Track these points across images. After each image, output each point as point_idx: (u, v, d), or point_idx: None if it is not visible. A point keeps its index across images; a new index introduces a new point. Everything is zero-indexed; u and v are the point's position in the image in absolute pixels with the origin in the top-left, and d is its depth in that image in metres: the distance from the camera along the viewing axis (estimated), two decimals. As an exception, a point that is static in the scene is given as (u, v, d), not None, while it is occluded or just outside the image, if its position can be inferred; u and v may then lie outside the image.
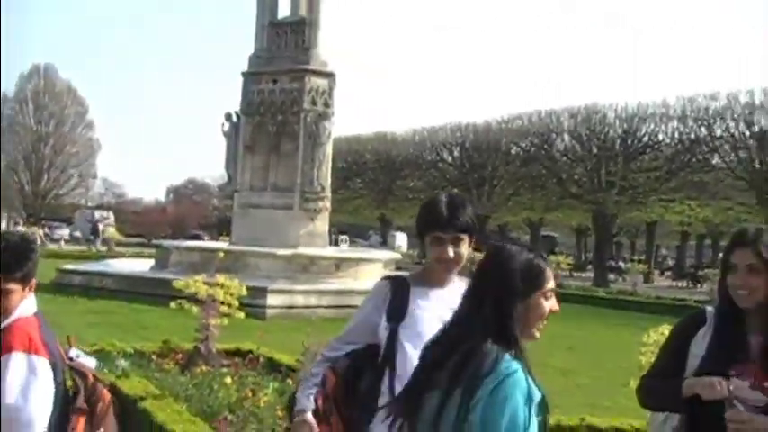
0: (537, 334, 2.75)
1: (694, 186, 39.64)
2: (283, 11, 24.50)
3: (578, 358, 15.62)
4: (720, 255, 4.06)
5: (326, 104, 22.72)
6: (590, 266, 50.33)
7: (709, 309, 3.49)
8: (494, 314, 2.61)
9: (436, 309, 3.49)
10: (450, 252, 3.49)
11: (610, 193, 39.98)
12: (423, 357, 2.82)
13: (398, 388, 3.40)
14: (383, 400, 3.41)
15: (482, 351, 2.54)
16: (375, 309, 3.55)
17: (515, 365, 2.52)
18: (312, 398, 3.56)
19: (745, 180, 36.68)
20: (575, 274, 45.64)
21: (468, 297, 2.74)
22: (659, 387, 3.53)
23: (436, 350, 2.73)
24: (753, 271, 3.29)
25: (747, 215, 35.96)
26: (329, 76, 23.06)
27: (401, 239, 64.61)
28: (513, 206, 47.54)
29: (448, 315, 3.51)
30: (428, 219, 3.52)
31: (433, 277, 3.59)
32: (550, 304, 2.74)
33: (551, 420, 7.71)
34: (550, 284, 2.74)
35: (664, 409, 3.57)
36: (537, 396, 2.53)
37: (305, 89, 22.44)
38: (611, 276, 44.17)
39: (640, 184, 40.83)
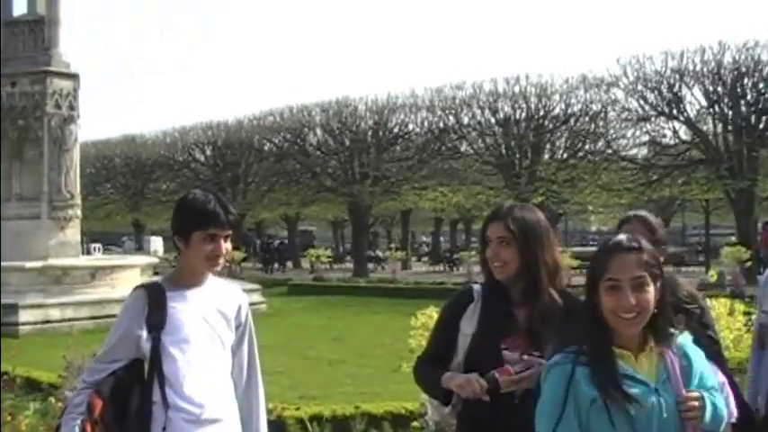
0: None
1: (445, 173, 41.01)
2: (19, 8, 22.93)
3: (345, 348, 15.81)
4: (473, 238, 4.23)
5: (71, 107, 21.68)
6: (348, 257, 51.09)
7: (476, 286, 3.58)
8: None
9: (197, 309, 3.48)
10: (223, 248, 3.48)
11: (364, 185, 40.70)
12: None
13: (172, 396, 3.35)
14: (157, 411, 3.33)
15: None
16: (134, 321, 3.43)
17: None
18: (78, 429, 3.36)
19: (493, 165, 38.35)
20: (334, 266, 46.17)
21: None
22: (426, 375, 3.60)
23: None
24: (503, 243, 3.42)
25: (497, 198, 37.60)
26: (73, 77, 22.00)
27: (157, 243, 63.08)
28: (268, 203, 47.39)
29: (210, 314, 3.50)
30: (201, 216, 3.45)
31: (188, 277, 3.54)
32: None
33: (326, 411, 7.81)
34: None
35: (432, 396, 3.68)
36: None
37: (47, 92, 21.28)
38: (371, 266, 45.00)
39: (393, 173, 41.78)
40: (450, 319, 3.56)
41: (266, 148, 46.67)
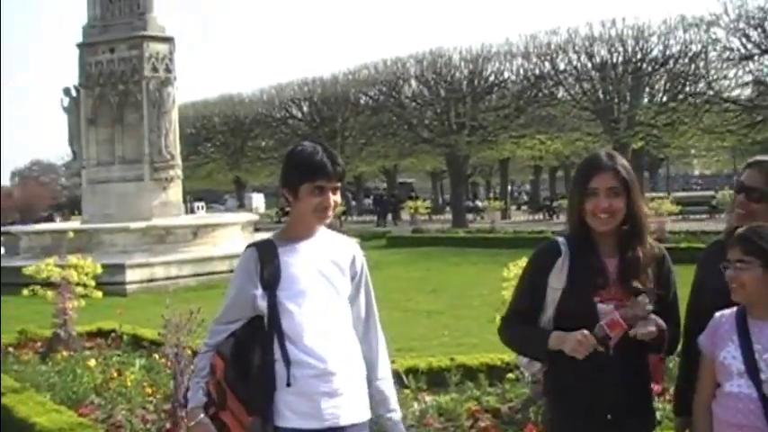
0: None
1: (542, 121, 40.53)
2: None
3: (442, 299, 15.83)
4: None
5: (168, 70, 22.10)
6: (448, 209, 51.02)
7: (561, 239, 3.47)
8: None
9: (310, 262, 3.46)
10: (331, 200, 3.45)
11: (461, 135, 40.47)
12: None
13: (294, 352, 3.36)
14: (279, 368, 3.35)
15: None
16: (248, 280, 3.44)
17: None
18: (202, 391, 3.44)
19: (590, 110, 37.69)
20: (433, 217, 46.23)
21: None
22: (520, 335, 3.54)
23: None
24: (613, 194, 3.34)
25: (595, 144, 37.04)
26: (168, 40, 22.41)
27: (258, 200, 64.06)
28: (366, 156, 47.60)
29: (325, 266, 3.48)
30: (308, 168, 3.43)
31: (300, 230, 3.52)
32: None
33: (421, 364, 7.82)
34: None
35: (527, 355, 3.57)
36: None
37: (144, 56, 21.72)
38: (470, 216, 44.89)
39: (490, 123, 41.39)
40: (538, 274, 3.46)
41: (362, 101, 46.77)
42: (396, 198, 51.55)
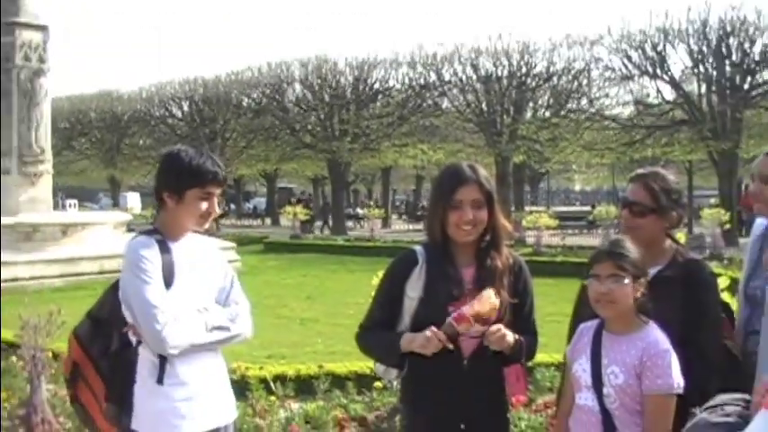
0: None
1: (426, 130, 40.90)
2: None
3: (318, 307, 15.68)
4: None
5: (41, 60, 21.18)
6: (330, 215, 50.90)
7: (418, 248, 3.53)
8: None
9: (185, 263, 3.46)
10: (216, 206, 3.53)
11: (343, 141, 40.45)
12: None
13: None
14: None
15: None
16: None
17: None
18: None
19: (474, 122, 38.21)
20: (315, 223, 46.02)
21: None
22: (377, 342, 3.56)
23: None
24: (477, 206, 3.39)
25: (477, 156, 37.58)
26: (42, 29, 21.44)
27: (134, 200, 62.59)
28: (247, 158, 47.08)
29: (197, 266, 3.50)
30: (198, 174, 3.46)
31: (176, 232, 3.52)
32: None
33: (290, 371, 7.69)
34: None
35: (383, 362, 3.59)
36: None
37: (16, 43, 20.84)
38: (350, 224, 44.90)
39: (373, 130, 41.54)
40: (395, 283, 3.51)
41: (244, 103, 46.35)
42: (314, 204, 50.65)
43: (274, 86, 43.97)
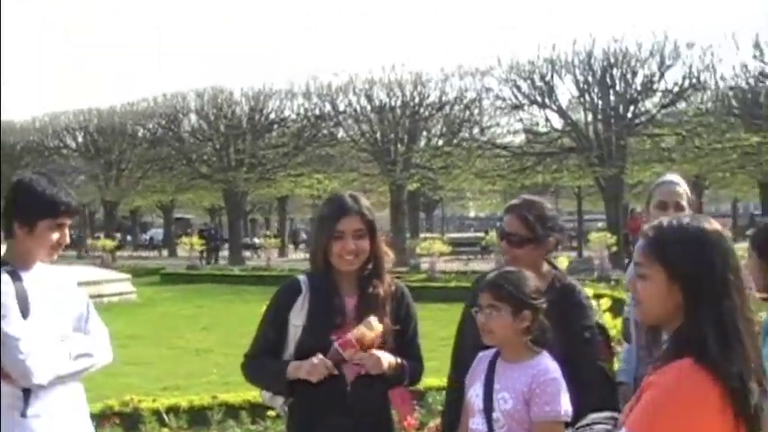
0: None
1: (321, 160, 40.92)
2: None
3: (213, 337, 15.63)
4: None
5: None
6: (225, 245, 50.44)
7: (302, 277, 3.60)
8: None
9: (36, 293, 3.34)
10: (67, 237, 3.44)
11: (239, 171, 40.26)
12: None
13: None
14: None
15: None
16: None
17: None
18: None
19: (368, 151, 38.50)
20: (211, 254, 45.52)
21: None
22: (263, 371, 3.60)
23: None
24: (359, 236, 3.46)
25: (372, 184, 37.87)
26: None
27: None
28: (142, 189, 46.27)
29: (48, 297, 3.36)
30: (51, 205, 3.33)
31: (27, 262, 3.39)
32: None
33: (183, 402, 7.70)
34: None
35: (274, 390, 3.62)
36: None
37: None
38: (248, 254, 44.58)
39: (269, 160, 41.42)
40: (279, 311, 3.56)
41: (140, 134, 45.71)
42: (219, 234, 49.49)
43: (170, 117, 43.49)
